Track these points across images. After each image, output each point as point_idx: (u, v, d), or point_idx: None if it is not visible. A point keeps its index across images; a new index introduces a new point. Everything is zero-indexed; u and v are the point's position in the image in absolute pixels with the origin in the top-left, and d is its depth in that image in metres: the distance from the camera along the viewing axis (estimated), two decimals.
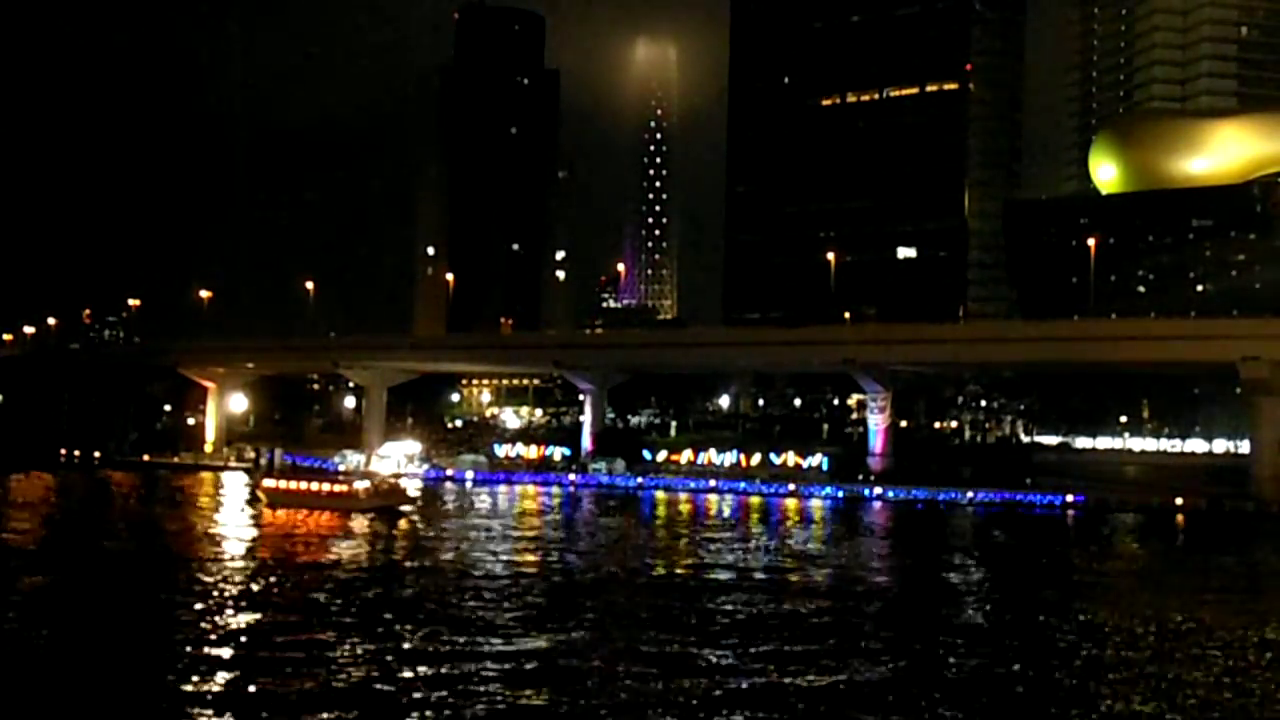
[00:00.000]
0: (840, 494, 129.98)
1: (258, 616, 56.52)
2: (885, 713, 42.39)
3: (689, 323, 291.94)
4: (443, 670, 46.23)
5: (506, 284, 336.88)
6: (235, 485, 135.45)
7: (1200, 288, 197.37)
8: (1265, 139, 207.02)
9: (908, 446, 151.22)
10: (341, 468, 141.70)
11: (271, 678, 44.60)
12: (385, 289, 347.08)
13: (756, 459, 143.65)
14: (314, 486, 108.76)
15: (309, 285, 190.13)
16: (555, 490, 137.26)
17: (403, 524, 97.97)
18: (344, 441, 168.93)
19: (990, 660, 51.36)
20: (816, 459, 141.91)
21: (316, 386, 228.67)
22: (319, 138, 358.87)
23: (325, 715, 40.19)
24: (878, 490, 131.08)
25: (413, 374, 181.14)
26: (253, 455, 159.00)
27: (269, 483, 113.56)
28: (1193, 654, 52.48)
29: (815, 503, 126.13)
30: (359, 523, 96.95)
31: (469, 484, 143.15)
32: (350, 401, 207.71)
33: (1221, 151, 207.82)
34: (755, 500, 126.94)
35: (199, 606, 58.07)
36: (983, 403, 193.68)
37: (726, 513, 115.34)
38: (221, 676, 45.09)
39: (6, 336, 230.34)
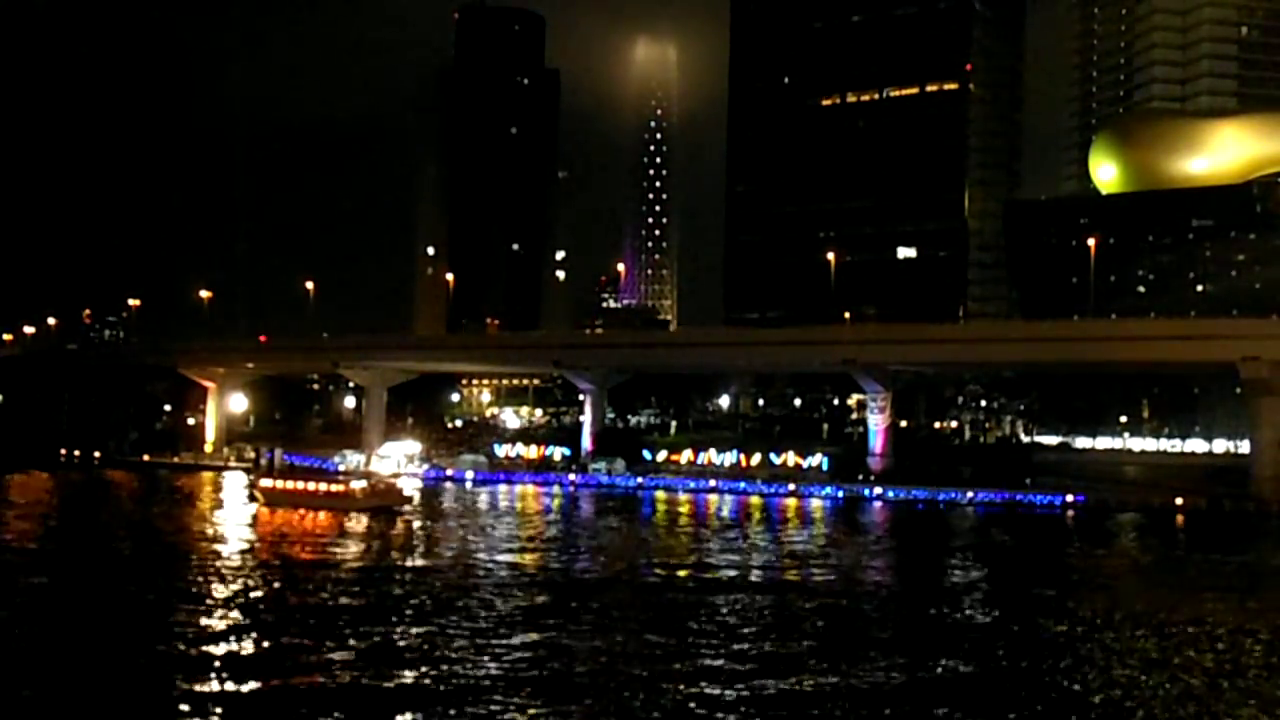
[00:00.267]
0: (840, 494, 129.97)
1: (253, 617, 56.46)
2: (886, 713, 42.39)
3: (685, 325, 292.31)
4: (441, 672, 46.22)
5: (506, 284, 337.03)
6: (235, 485, 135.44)
7: (1200, 288, 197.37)
8: (1265, 139, 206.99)
9: (908, 446, 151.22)
10: (342, 468, 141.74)
11: (267, 678, 44.61)
12: (385, 289, 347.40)
13: (756, 459, 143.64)
14: (311, 486, 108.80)
15: (309, 285, 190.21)
16: (555, 490, 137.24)
17: (399, 524, 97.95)
18: (344, 441, 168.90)
19: (990, 660, 51.37)
20: (816, 459, 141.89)
21: (316, 386, 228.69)
22: (319, 138, 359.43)
23: (321, 718, 40.25)
24: (878, 490, 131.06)
25: (413, 374, 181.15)
26: (253, 455, 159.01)
27: (266, 483, 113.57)
28: (1193, 653, 52.47)
29: (815, 503, 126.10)
30: (356, 523, 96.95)
31: (469, 484, 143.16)
32: (350, 401, 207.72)
33: (1221, 151, 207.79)
34: (755, 500, 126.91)
35: (194, 607, 58.00)
36: (983, 403, 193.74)
37: (726, 513, 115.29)
38: (218, 677, 45.05)
39: (6, 336, 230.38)
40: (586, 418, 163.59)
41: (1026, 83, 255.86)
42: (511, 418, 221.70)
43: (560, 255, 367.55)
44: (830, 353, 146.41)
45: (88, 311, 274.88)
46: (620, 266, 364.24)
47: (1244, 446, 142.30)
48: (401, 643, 51.19)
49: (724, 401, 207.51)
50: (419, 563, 76.41)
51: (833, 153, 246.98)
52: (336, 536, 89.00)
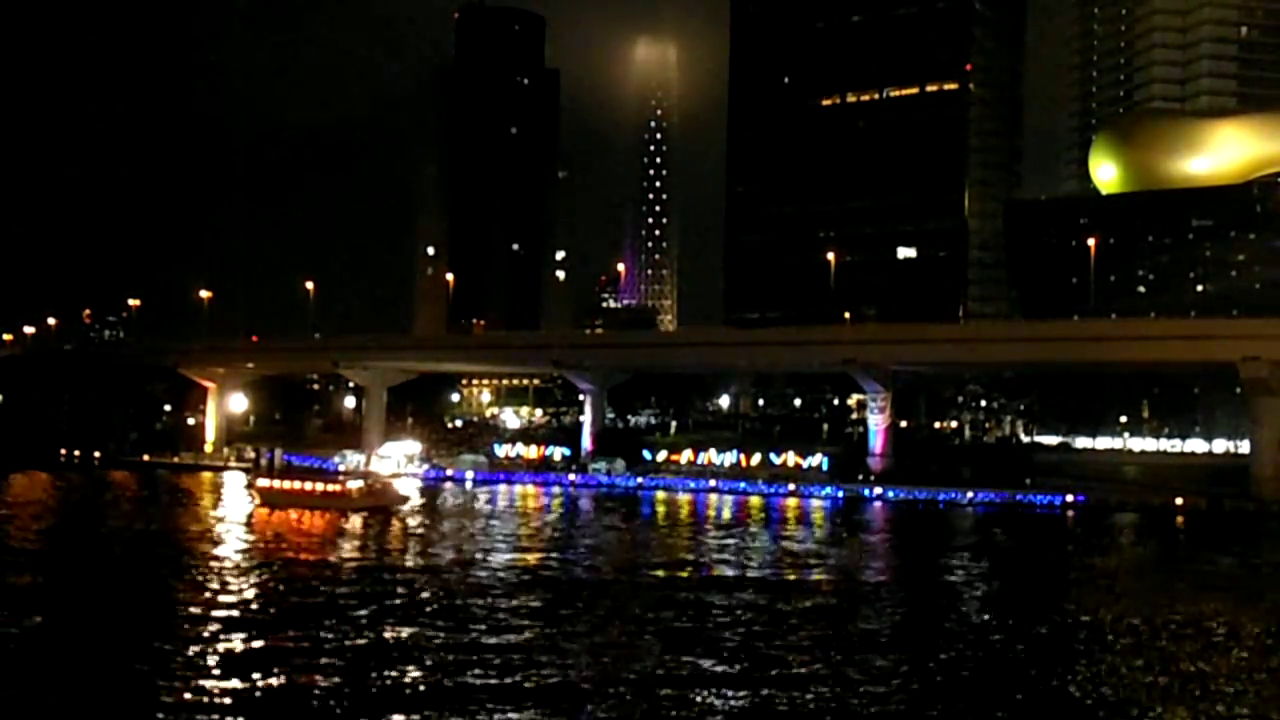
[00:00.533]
0: (840, 494, 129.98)
1: (245, 617, 56.36)
2: (886, 713, 42.40)
3: (685, 325, 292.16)
4: (437, 672, 46.21)
5: (506, 284, 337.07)
6: (235, 485, 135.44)
7: (1200, 288, 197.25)
8: (1265, 139, 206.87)
9: (908, 446, 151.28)
10: (342, 468, 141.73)
11: (260, 680, 44.60)
12: (385, 289, 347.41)
13: (756, 459, 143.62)
14: (307, 486, 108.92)
15: (309, 285, 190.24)
16: (555, 490, 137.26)
17: (396, 523, 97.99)
18: (344, 441, 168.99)
19: (989, 659, 51.39)
20: (816, 459, 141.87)
21: (316, 386, 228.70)
22: (319, 137, 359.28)
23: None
24: (878, 490, 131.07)
25: (413, 374, 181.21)
26: (253, 455, 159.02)
27: (263, 482, 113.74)
28: (1192, 653, 52.48)
29: (815, 503, 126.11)
30: (353, 522, 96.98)
31: (469, 484, 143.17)
32: (350, 401, 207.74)
33: (1221, 151, 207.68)
34: (755, 500, 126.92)
35: (187, 608, 58.02)
36: (983, 403, 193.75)
37: (726, 513, 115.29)
38: (210, 679, 45.04)
39: (6, 336, 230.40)
40: (586, 418, 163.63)
41: (1026, 83, 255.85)
42: (511, 418, 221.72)
43: (560, 255, 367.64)
44: (830, 353, 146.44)
45: (88, 311, 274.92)
46: (620, 266, 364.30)
47: (1244, 446, 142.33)
48: (396, 643, 51.16)
49: (724, 401, 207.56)
50: (415, 562, 76.41)
51: (833, 153, 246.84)
52: (332, 537, 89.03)
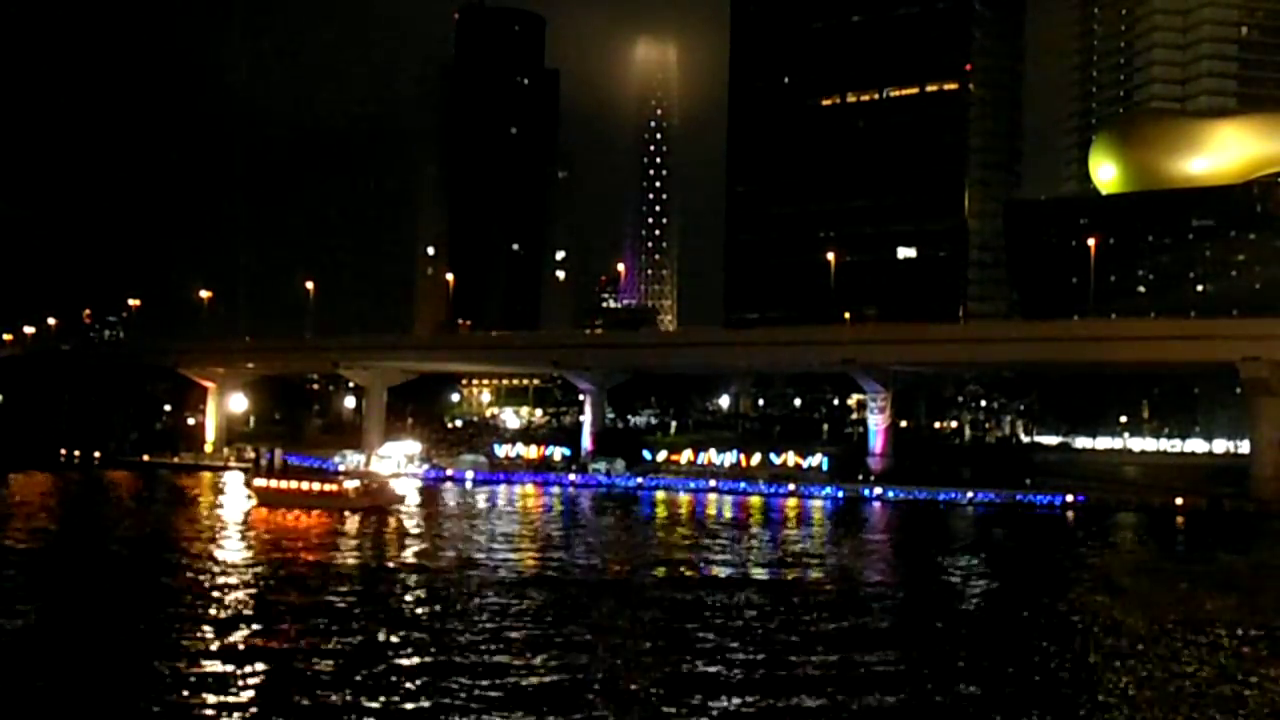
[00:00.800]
0: (840, 494, 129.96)
1: (237, 620, 56.34)
2: (886, 712, 42.40)
3: (685, 325, 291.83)
4: (433, 673, 46.20)
5: (506, 284, 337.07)
6: (235, 485, 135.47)
7: (1200, 288, 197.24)
8: (1265, 139, 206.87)
9: (908, 446, 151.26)
10: (342, 468, 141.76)
11: (254, 682, 44.61)
12: (385, 289, 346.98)
13: (756, 459, 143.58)
14: (304, 486, 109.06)
15: (309, 285, 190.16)
16: (555, 490, 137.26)
17: (392, 523, 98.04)
18: (344, 441, 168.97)
19: (989, 659, 51.39)
20: (816, 459, 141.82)
21: (316, 386, 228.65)
22: (319, 137, 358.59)
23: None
24: (878, 490, 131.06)
25: (413, 374, 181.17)
26: (253, 455, 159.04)
27: (260, 482, 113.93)
28: (1192, 653, 52.48)
29: (815, 503, 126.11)
30: (349, 522, 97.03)
31: (469, 484, 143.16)
32: (350, 401, 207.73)
33: (1221, 151, 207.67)
34: (755, 500, 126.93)
35: (177, 608, 57.97)
36: (983, 403, 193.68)
37: (726, 513, 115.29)
38: (209, 680, 45.04)
39: (6, 336, 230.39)
40: (586, 418, 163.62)
41: (1026, 83, 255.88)
42: (511, 418, 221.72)
43: (560, 255, 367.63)
44: (830, 353, 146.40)
45: (88, 311, 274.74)
46: (620, 266, 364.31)
47: (1244, 446, 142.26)
48: (389, 644, 51.12)
49: (724, 401, 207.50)
50: (410, 562, 76.37)
51: (833, 153, 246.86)
52: (328, 536, 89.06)
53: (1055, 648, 53.80)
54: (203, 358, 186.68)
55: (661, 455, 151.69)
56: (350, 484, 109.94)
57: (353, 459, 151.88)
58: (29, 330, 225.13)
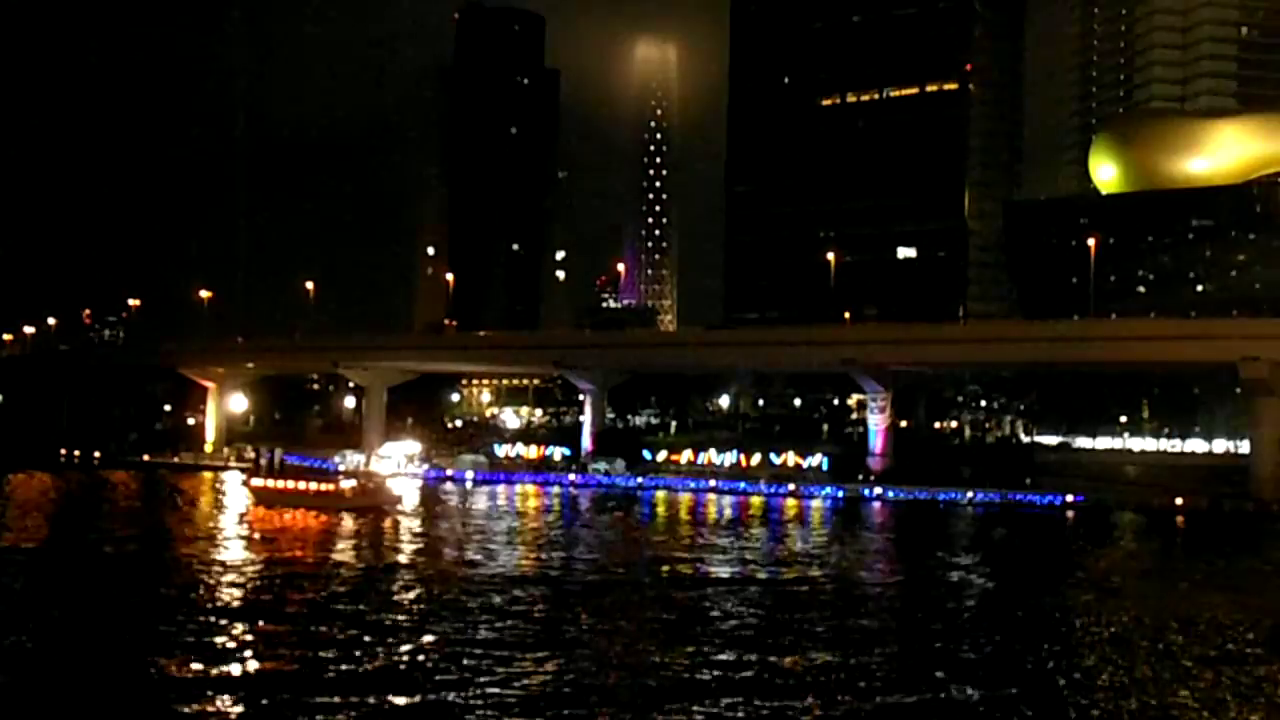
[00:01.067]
0: (840, 494, 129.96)
1: (233, 619, 56.37)
2: (886, 712, 42.39)
3: (685, 325, 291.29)
4: (428, 675, 46.18)
5: (506, 284, 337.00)
6: (234, 485, 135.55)
7: (1200, 288, 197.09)
8: (1265, 139, 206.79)
9: (908, 446, 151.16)
10: (342, 468, 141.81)
11: (246, 681, 44.60)
12: (385, 289, 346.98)
13: (756, 459, 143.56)
14: (301, 486, 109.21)
15: (309, 285, 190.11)
16: (555, 490, 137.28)
17: (389, 523, 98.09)
18: (344, 441, 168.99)
19: (989, 659, 51.38)
20: (816, 459, 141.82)
21: (316, 386, 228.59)
22: (319, 137, 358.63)
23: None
24: (878, 490, 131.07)
25: (413, 374, 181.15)
26: (253, 455, 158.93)
27: (257, 482, 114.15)
28: (1192, 652, 52.48)
29: (815, 503, 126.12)
30: (345, 522, 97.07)
31: (469, 484, 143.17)
32: (350, 401, 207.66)
33: (1221, 151, 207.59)
34: (755, 500, 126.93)
35: (174, 610, 58.04)
36: (983, 403, 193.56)
37: (726, 513, 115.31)
38: (201, 680, 45.03)
39: (6, 336, 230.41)
40: (586, 418, 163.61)
41: (1026, 83, 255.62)
42: (511, 418, 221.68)
43: (560, 255, 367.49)
44: (830, 353, 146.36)
45: (88, 311, 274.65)
46: (620, 266, 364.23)
47: (1244, 446, 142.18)
48: (385, 644, 51.13)
49: (724, 401, 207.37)
50: (404, 562, 76.48)
51: (833, 153, 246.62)
52: (323, 536, 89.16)
53: (1054, 648, 53.82)
54: (203, 358, 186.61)
55: (661, 455, 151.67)
56: (346, 484, 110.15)
57: (353, 459, 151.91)
58: (29, 330, 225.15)
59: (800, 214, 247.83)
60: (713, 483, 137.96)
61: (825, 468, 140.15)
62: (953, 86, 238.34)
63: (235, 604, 59.68)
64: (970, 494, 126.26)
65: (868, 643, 53.57)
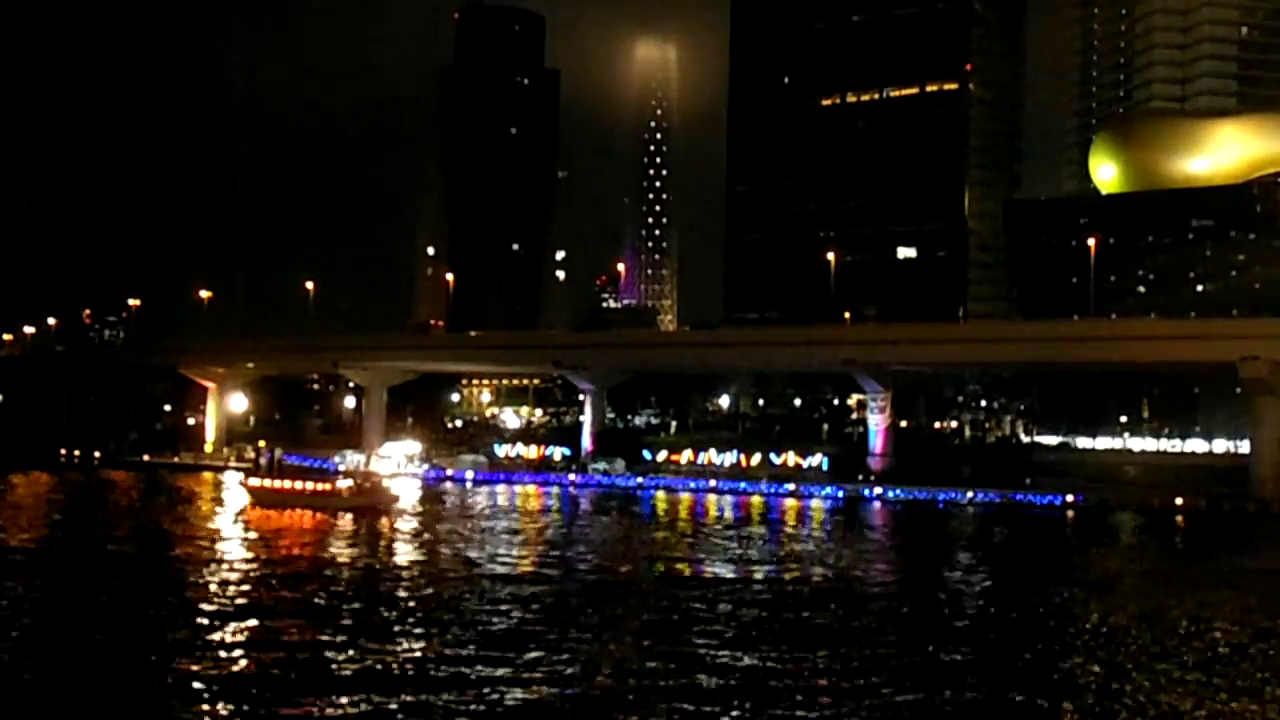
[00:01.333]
0: (840, 494, 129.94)
1: (226, 619, 56.35)
2: (886, 712, 42.39)
3: (685, 325, 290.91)
4: (429, 673, 46.16)
5: (506, 284, 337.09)
6: (234, 485, 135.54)
7: (1200, 288, 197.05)
8: (1265, 139, 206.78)
9: (908, 446, 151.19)
10: (342, 468, 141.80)
11: (239, 684, 44.60)
12: (385, 289, 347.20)
13: (756, 459, 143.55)
14: (298, 485, 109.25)
15: (309, 285, 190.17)
16: (555, 490, 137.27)
17: (385, 523, 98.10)
18: (344, 441, 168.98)
19: (989, 659, 51.38)
20: (816, 459, 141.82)
21: (316, 386, 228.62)
22: (319, 137, 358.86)
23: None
24: (878, 490, 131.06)
25: (413, 374, 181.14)
26: (253, 455, 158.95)
27: (254, 481, 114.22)
28: (1192, 652, 52.48)
29: (815, 503, 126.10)
30: (342, 522, 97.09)
31: (469, 484, 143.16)
32: (350, 401, 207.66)
33: (1221, 151, 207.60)
34: (755, 500, 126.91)
35: (173, 610, 58.06)
36: (983, 403, 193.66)
37: (727, 513, 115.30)
38: (196, 681, 45.03)
39: (6, 336, 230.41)
40: (586, 418, 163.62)
41: (1026, 83, 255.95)
42: (511, 418, 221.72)
43: (560, 255, 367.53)
44: (830, 353, 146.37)
45: (88, 311, 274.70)
46: (620, 266, 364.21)
47: (1244, 446, 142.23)
48: (390, 644, 51.12)
49: (724, 401, 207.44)
50: (398, 562, 76.48)
51: (833, 153, 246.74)
52: (317, 536, 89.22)
53: (1054, 648, 53.82)
54: (203, 358, 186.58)
55: (661, 455, 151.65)
56: (343, 483, 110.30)
57: (353, 459, 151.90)
58: (29, 330, 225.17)
59: (800, 214, 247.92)
60: (713, 483, 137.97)
61: (825, 468, 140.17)
62: (953, 86, 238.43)
63: (228, 604, 59.60)
64: (970, 494, 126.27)
65: (868, 643, 53.55)
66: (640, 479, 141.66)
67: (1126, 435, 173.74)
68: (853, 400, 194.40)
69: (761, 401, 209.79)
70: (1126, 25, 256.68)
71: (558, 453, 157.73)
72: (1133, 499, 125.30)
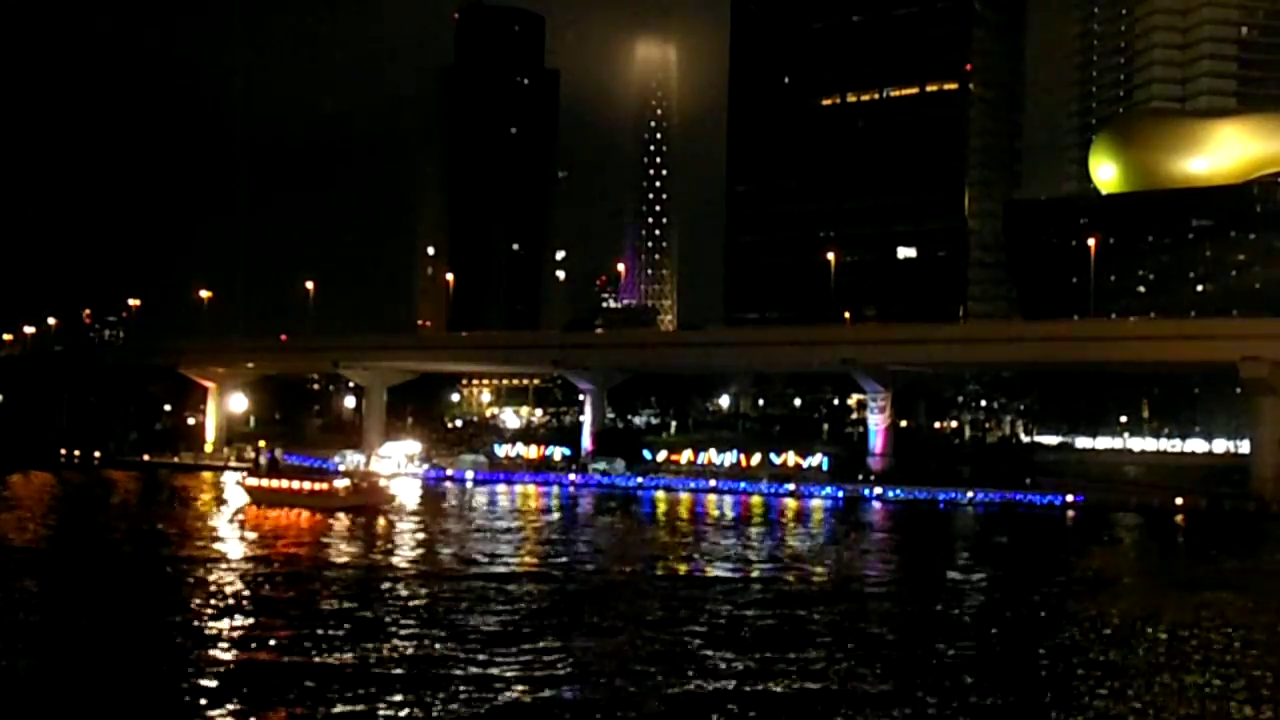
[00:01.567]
0: (840, 494, 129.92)
1: (220, 619, 56.40)
2: (886, 712, 42.39)
3: (685, 325, 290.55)
4: (430, 675, 46.16)
5: (506, 284, 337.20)
6: (233, 485, 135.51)
7: (1200, 288, 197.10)
8: (1265, 139, 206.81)
9: (908, 446, 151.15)
10: (342, 467, 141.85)
11: (244, 682, 44.60)
12: (385, 289, 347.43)
13: (756, 459, 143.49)
14: (294, 485, 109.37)
15: (309, 285, 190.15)
16: (555, 490, 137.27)
17: (381, 522, 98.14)
18: (344, 441, 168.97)
19: (988, 659, 51.37)
20: (816, 459, 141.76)
21: (316, 386, 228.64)
22: (319, 138, 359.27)
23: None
24: (878, 490, 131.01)
25: (413, 374, 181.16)
26: (253, 455, 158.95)
27: (251, 481, 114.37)
28: (1191, 652, 52.48)
29: (815, 503, 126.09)
30: (338, 521, 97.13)
31: (469, 484, 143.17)
32: (350, 401, 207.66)
33: (1221, 151, 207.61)
34: (755, 500, 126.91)
35: (171, 611, 58.08)
36: (983, 403, 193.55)
37: (727, 513, 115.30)
38: (197, 684, 45.04)
39: (6, 336, 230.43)
40: (586, 418, 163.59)
41: (1026, 83, 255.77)
42: (511, 418, 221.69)
43: (560, 255, 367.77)
44: (830, 353, 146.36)
45: (88, 311, 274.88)
46: (620, 266, 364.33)
47: (1244, 446, 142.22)
48: (390, 644, 51.11)
49: (724, 401, 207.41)
50: (393, 562, 76.44)
51: (833, 153, 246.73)
52: (312, 535, 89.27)
53: (1053, 649, 53.80)
54: (203, 358, 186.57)
55: (661, 455, 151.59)
56: (340, 483, 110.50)
57: (353, 459, 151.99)
58: (29, 330, 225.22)
59: (800, 214, 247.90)
60: (713, 483, 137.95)
61: (825, 468, 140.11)
62: (953, 86, 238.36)
63: (224, 603, 59.63)
64: (970, 494, 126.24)
65: (868, 644, 53.56)
66: (640, 479, 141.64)
67: (1126, 435, 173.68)
68: (853, 400, 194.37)
69: (761, 401, 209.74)
70: (1126, 25, 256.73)
71: (558, 453, 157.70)
72: (1133, 499, 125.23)
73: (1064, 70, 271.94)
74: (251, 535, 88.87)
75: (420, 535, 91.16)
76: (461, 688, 43.53)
